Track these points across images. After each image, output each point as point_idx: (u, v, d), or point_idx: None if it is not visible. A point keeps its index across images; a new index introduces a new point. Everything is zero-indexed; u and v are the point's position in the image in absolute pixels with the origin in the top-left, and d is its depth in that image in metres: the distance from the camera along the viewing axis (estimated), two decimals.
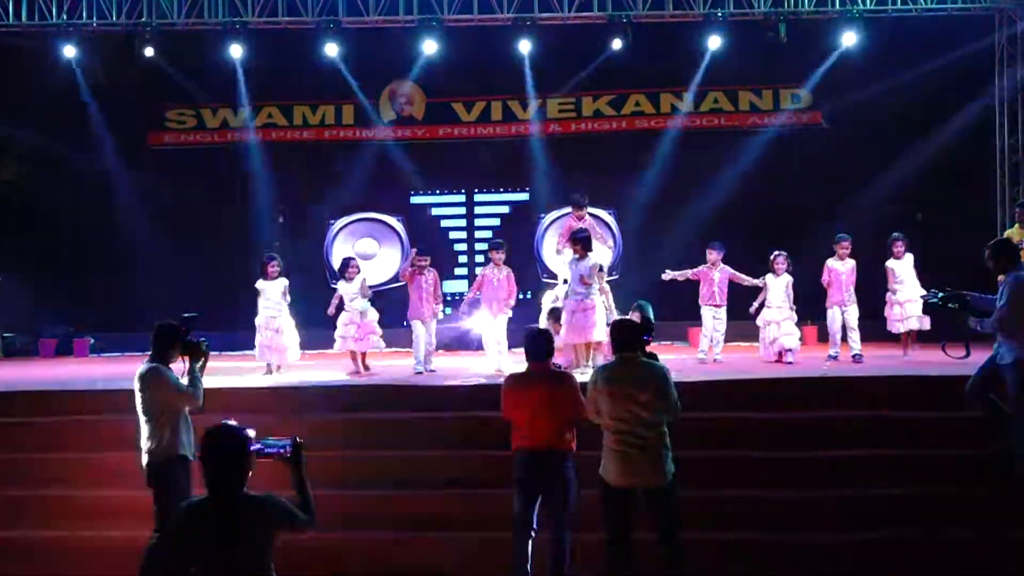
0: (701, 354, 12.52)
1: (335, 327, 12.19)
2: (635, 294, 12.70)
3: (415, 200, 17.74)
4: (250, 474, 4.68)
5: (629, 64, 16.07)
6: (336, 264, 16.61)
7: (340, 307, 12.07)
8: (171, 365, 7.22)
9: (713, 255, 12.52)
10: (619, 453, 6.67)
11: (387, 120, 17.45)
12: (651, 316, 9.11)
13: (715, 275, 12.49)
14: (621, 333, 6.98)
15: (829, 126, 16.84)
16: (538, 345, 7.18)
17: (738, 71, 16.62)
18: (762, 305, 12.49)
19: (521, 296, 16.19)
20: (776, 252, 12.47)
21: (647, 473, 6.64)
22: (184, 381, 7.13)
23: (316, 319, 12.89)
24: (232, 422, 4.79)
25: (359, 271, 12.25)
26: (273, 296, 12.05)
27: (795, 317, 12.38)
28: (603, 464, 6.76)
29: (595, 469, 6.81)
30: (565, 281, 11.79)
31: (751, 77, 16.93)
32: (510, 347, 12.08)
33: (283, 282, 12.13)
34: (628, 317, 8.36)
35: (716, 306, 12.49)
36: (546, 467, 6.97)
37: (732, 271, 12.56)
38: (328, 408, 9.82)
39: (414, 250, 12.26)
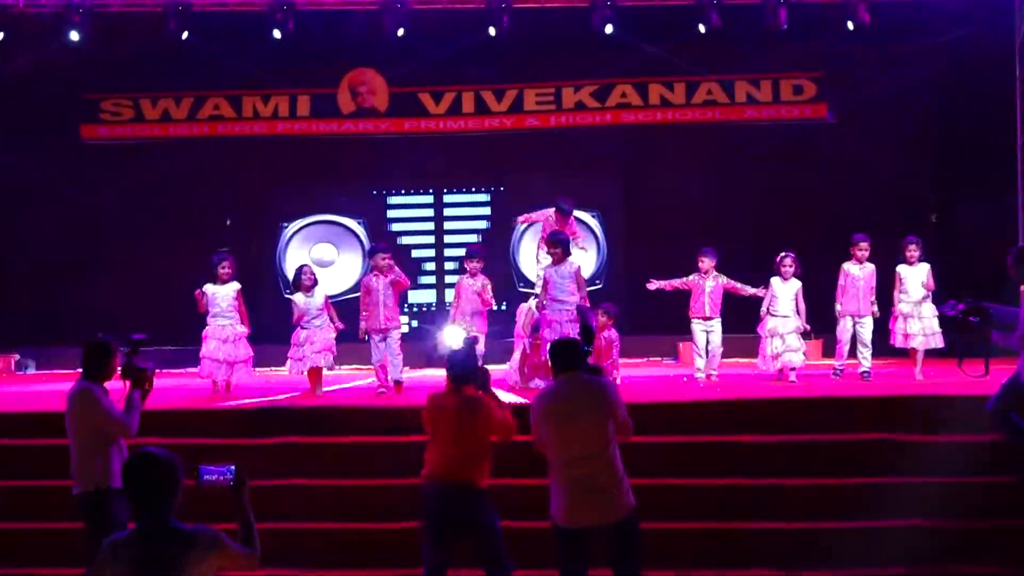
0: (700, 373, 12.37)
1: (283, 343, 12.10)
2: (620, 305, 12.80)
3: (378, 201, 17.64)
4: (177, 503, 4.62)
5: (614, 51, 16.07)
6: (290, 272, 16.58)
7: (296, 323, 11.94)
8: (107, 385, 7.16)
9: (705, 263, 12.40)
10: (567, 487, 6.48)
11: (346, 112, 17.35)
12: (592, 325, 9.14)
13: (707, 285, 12.35)
14: (559, 353, 6.84)
15: (835, 120, 16.80)
16: (573, 352, 6.90)
17: (734, 59, 16.65)
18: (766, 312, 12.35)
19: (496, 308, 16.25)
20: (784, 253, 12.35)
21: (602, 508, 6.41)
22: (123, 405, 7.07)
23: (265, 334, 12.79)
24: (154, 449, 4.72)
25: (316, 281, 12.06)
26: (223, 302, 11.79)
27: (804, 328, 12.22)
28: (552, 503, 6.57)
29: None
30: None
31: (748, 66, 16.92)
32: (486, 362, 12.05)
33: (235, 286, 11.87)
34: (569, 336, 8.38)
35: (706, 319, 12.35)
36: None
37: (728, 280, 12.46)
38: (292, 430, 9.78)
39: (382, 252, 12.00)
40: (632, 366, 14.40)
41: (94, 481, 6.96)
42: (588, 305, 11.70)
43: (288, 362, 11.93)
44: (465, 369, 7.29)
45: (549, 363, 7.05)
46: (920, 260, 12.18)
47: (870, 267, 12.26)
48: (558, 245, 11.25)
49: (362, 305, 11.83)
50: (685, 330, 12.88)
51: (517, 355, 12.02)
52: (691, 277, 12.46)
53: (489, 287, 12.07)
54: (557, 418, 6.55)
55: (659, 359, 15.75)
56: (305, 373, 11.83)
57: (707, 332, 12.37)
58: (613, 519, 6.40)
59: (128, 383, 7.14)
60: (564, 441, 6.49)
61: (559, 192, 12.82)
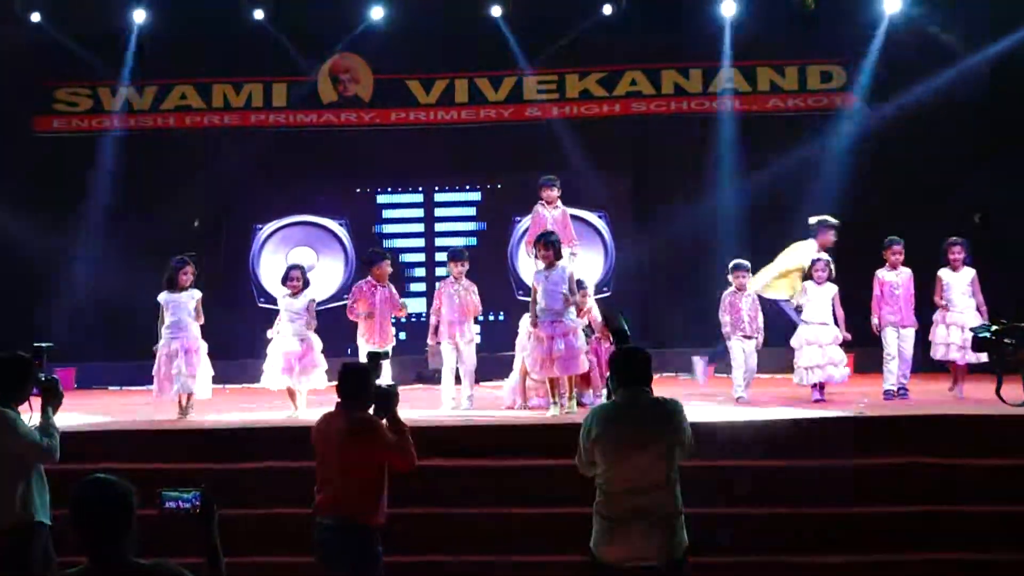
0: (739, 390, 12.08)
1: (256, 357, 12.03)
2: (628, 313, 12.70)
3: (363, 200, 17.65)
4: (133, 535, 4.52)
5: (624, 35, 16.04)
6: (265, 279, 16.75)
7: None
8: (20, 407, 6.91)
9: (740, 278, 12.25)
10: (620, 520, 6.25)
11: (327, 102, 17.35)
12: (625, 328, 8.97)
13: (743, 302, 12.17)
14: (630, 363, 6.49)
15: (868, 111, 16.78)
16: (641, 364, 6.56)
17: (757, 44, 16.65)
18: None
19: (492, 317, 16.16)
20: (815, 257, 12.23)
21: (657, 546, 6.18)
22: (39, 429, 6.83)
23: (232, 349, 12.65)
24: (105, 475, 4.63)
25: (306, 283, 11.84)
26: (181, 311, 11.58)
27: (845, 336, 12.10)
28: (595, 535, 6.34)
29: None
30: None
31: (773, 51, 16.94)
32: (478, 379, 11.95)
33: (195, 294, 11.65)
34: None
35: (747, 337, 12.15)
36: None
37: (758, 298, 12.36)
38: (271, 455, 9.71)
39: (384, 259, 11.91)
40: None
41: (13, 516, 6.68)
42: (597, 316, 11.65)
43: (270, 373, 11.71)
44: (356, 386, 6.97)
45: (608, 375, 6.69)
46: (965, 264, 12.07)
47: (907, 272, 12.14)
48: (549, 247, 11.06)
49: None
50: (703, 343, 12.82)
51: (516, 372, 11.90)
52: (725, 296, 12.23)
53: (475, 293, 11.85)
54: (617, 441, 6.28)
55: (673, 374, 15.64)
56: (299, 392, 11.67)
57: (746, 351, 12.15)
58: (666, 559, 6.20)
59: (35, 401, 6.95)
60: (622, 468, 6.24)
61: (563, 190, 12.73)
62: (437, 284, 12.45)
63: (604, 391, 11.33)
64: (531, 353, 11.03)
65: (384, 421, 6.91)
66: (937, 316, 12.08)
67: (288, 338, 11.60)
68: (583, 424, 6.47)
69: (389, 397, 6.98)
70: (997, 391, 7.79)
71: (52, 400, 7.00)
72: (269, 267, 16.63)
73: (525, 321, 11.97)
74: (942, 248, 12.16)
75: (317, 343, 11.68)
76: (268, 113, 17.47)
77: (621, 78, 17.14)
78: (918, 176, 16.09)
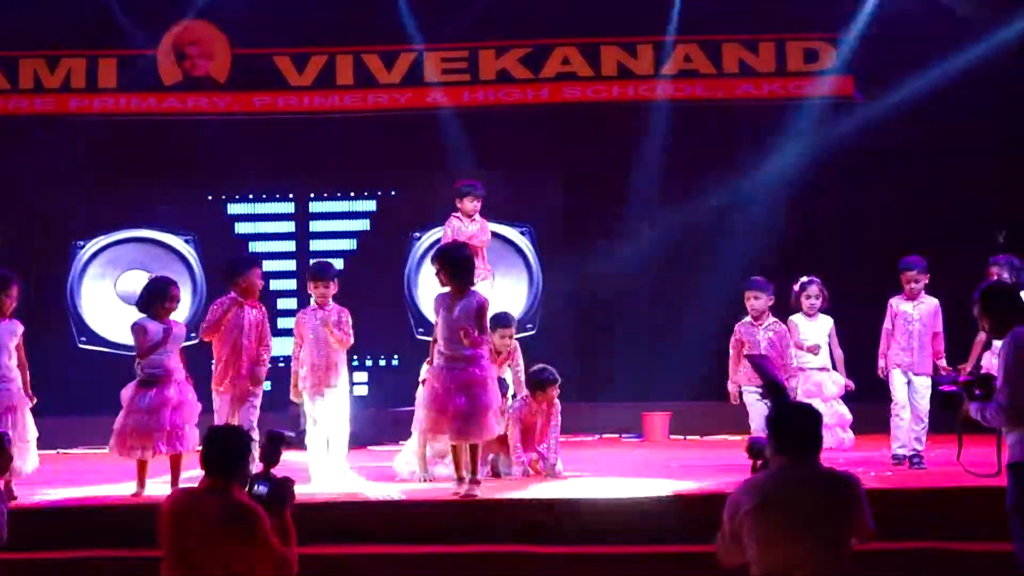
0: None
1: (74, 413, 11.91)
2: (555, 355, 12.74)
3: (215, 209, 17.65)
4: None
5: (553, 1, 16.19)
6: (87, 312, 16.52)
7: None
8: None
9: (759, 301, 12.04)
10: None
11: (170, 83, 17.33)
12: (781, 381, 8.77)
13: (761, 336, 12.05)
14: (798, 425, 6.63)
15: (865, 99, 16.98)
16: (807, 428, 6.65)
17: (723, 14, 16.88)
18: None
19: (383, 362, 16.17)
20: (807, 279, 12.42)
21: None
22: None
23: (45, 402, 12.37)
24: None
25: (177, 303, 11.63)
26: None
27: (847, 385, 12.11)
28: None
29: None
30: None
31: (743, 24, 17.13)
32: (363, 443, 11.93)
33: (17, 327, 11.14)
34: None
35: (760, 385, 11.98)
36: None
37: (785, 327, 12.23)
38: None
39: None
40: (580, 446, 14.53)
41: None
42: (520, 362, 11.66)
43: (115, 437, 11.18)
44: (235, 462, 6.93)
45: (766, 444, 6.68)
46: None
47: (931, 303, 12.15)
48: (449, 265, 10.67)
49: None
50: (651, 396, 12.86)
51: (416, 433, 11.80)
52: (739, 328, 12.18)
53: (348, 323, 11.68)
54: (779, 525, 6.38)
55: (616, 435, 15.80)
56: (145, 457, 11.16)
57: (758, 403, 11.89)
58: None
59: None
60: (785, 558, 6.35)
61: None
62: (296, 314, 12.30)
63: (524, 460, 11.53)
64: (437, 401, 10.63)
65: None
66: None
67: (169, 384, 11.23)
68: (730, 499, 6.57)
69: (284, 490, 6.95)
70: (958, 456, 8.02)
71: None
72: (92, 296, 16.53)
73: (426, 368, 12.00)
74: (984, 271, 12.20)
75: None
76: (92, 96, 17.36)
77: (550, 56, 17.26)
78: (929, 182, 16.33)
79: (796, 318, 12.28)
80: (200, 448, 7.22)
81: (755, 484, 6.57)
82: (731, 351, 12.06)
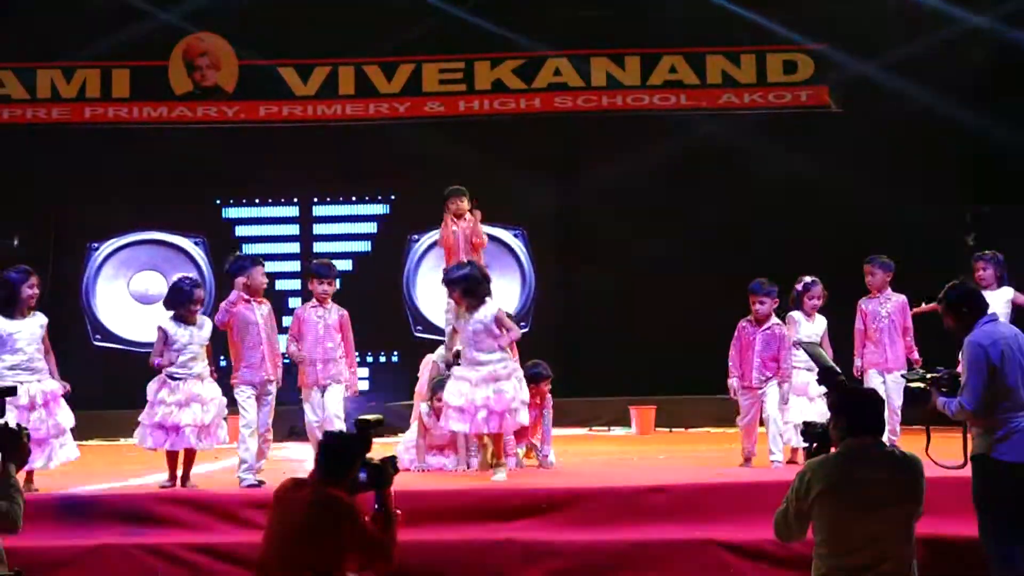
0: (775, 457, 11.63)
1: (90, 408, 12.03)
2: (547, 352, 12.99)
3: (223, 213, 17.81)
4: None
5: (545, 15, 16.57)
6: (102, 311, 16.80)
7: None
8: None
9: (764, 306, 11.84)
10: None
11: (180, 93, 17.45)
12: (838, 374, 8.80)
13: (759, 337, 11.83)
14: (862, 408, 6.80)
15: (841, 109, 17.15)
16: (876, 410, 6.88)
17: (706, 27, 17.04)
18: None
19: (383, 359, 16.68)
20: (810, 279, 12.22)
21: None
22: None
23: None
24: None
25: (201, 305, 11.46)
26: (26, 344, 10.70)
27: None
28: None
29: None
30: (457, 354, 11.63)
31: (725, 36, 17.28)
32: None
33: (40, 320, 10.83)
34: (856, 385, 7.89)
35: (756, 386, 11.84)
36: None
37: (783, 330, 11.97)
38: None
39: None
40: (571, 440, 14.54)
41: None
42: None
43: (147, 431, 11.05)
44: (340, 459, 6.95)
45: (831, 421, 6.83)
46: (999, 282, 12.35)
47: (899, 299, 12.32)
48: (460, 289, 11.22)
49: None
50: (638, 389, 13.03)
51: (415, 425, 12.17)
52: (743, 327, 12.00)
53: (347, 321, 11.78)
54: (847, 503, 6.49)
55: (605, 428, 16.07)
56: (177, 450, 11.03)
57: (762, 401, 11.81)
58: None
59: None
60: (851, 537, 6.49)
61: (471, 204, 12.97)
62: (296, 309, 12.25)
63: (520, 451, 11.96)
64: (468, 401, 11.04)
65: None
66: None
67: (188, 382, 11.07)
68: (797, 479, 6.69)
69: (383, 471, 6.95)
70: (926, 449, 8.35)
71: (12, 454, 6.82)
72: (107, 296, 16.79)
73: (427, 363, 12.42)
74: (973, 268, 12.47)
75: (215, 389, 11.27)
76: (106, 106, 17.46)
77: (542, 67, 17.38)
78: (899, 188, 16.47)
79: (796, 315, 12.14)
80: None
81: (823, 465, 6.63)
82: (731, 350, 11.90)
